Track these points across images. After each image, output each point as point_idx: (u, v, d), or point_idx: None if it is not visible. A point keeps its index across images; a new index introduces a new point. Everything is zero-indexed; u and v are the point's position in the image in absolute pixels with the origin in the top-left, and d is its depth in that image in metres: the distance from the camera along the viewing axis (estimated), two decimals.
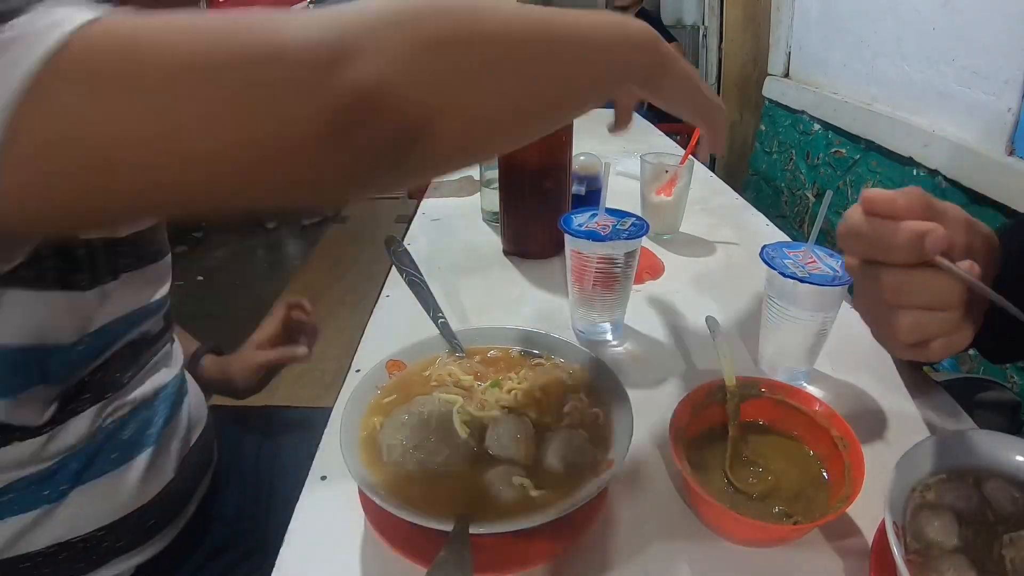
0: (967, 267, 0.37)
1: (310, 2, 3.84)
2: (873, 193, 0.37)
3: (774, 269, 0.59)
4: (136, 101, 0.27)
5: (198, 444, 0.72)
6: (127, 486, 0.61)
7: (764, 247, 0.62)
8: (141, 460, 0.62)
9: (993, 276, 0.44)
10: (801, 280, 0.57)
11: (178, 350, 0.74)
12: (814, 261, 0.60)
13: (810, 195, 2.26)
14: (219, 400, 0.84)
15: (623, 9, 3.67)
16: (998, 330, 0.60)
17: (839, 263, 0.59)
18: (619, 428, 0.47)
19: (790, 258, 0.60)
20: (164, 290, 0.70)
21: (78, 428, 0.57)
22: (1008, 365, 1.31)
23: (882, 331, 0.42)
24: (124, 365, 0.62)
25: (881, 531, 0.43)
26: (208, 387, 0.83)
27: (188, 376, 0.76)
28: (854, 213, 0.39)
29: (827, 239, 1.90)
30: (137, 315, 0.63)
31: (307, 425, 0.82)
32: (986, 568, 0.39)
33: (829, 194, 0.60)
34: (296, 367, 0.97)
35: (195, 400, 0.75)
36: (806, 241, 0.62)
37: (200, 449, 0.72)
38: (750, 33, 2.86)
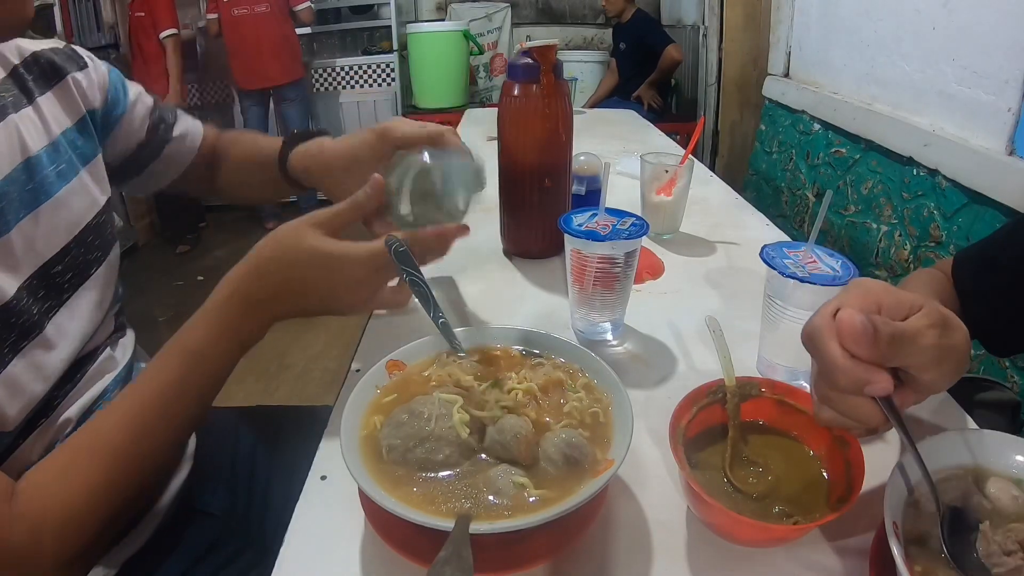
0: (903, 401, 0.42)
1: (311, 2, 3.80)
2: (847, 321, 0.40)
3: (774, 269, 0.59)
4: None
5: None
6: None
7: (764, 247, 0.62)
8: None
9: (964, 370, 0.46)
10: (801, 280, 0.57)
11: (128, 341, 0.73)
12: (814, 261, 0.60)
13: (810, 195, 2.26)
14: (218, 401, 0.83)
15: (615, 16, 3.68)
16: (1002, 324, 0.60)
17: (839, 263, 0.59)
18: (619, 428, 0.47)
19: (790, 258, 0.60)
20: (108, 298, 0.68)
21: (17, 465, 0.55)
22: (1008, 362, 1.31)
23: (813, 397, 0.46)
24: (57, 392, 0.60)
25: (881, 531, 0.43)
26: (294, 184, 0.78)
27: (139, 369, 0.74)
28: (822, 320, 0.42)
29: (827, 239, 1.90)
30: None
31: (307, 425, 0.82)
32: (985, 567, 0.39)
33: (829, 194, 0.60)
34: (296, 367, 0.96)
35: None
36: (806, 241, 0.61)
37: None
38: (750, 33, 2.86)
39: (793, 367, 0.65)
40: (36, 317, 0.57)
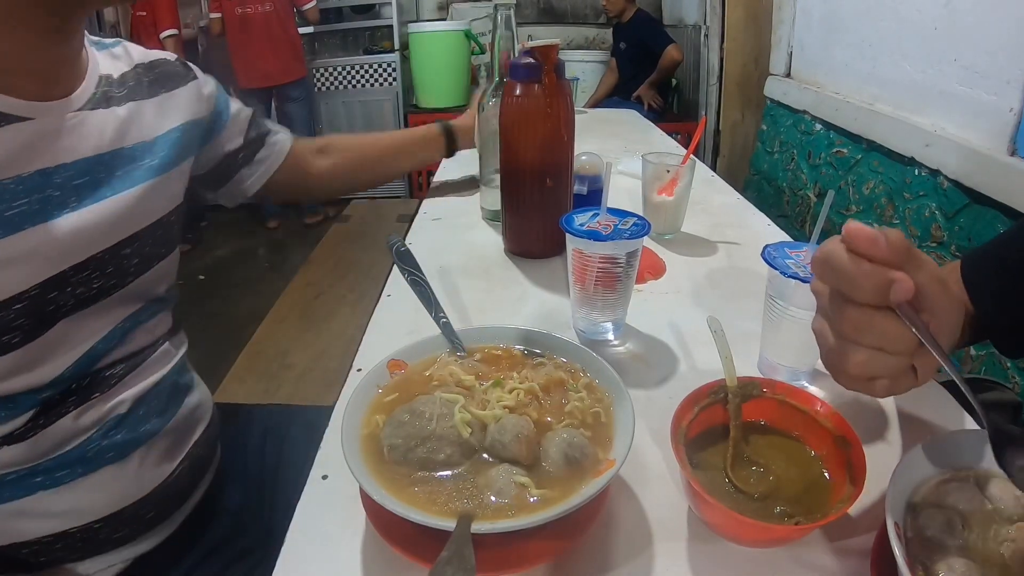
0: (925, 322, 0.40)
1: (316, 2, 3.81)
2: (855, 229, 0.38)
3: (776, 269, 0.59)
4: None
5: (201, 440, 0.72)
6: (123, 481, 0.62)
7: (766, 247, 0.62)
8: (138, 455, 0.63)
9: (961, 342, 0.45)
10: (803, 280, 0.57)
11: (180, 341, 0.75)
12: None
13: (812, 195, 2.26)
14: (220, 397, 0.84)
15: (616, 16, 3.68)
16: (1013, 324, 0.60)
17: None
18: (620, 428, 0.47)
19: (792, 258, 0.60)
20: (165, 287, 0.70)
21: (63, 430, 0.58)
22: (1009, 363, 1.31)
23: (832, 360, 0.44)
24: (112, 371, 0.63)
25: (882, 532, 0.43)
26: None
27: (192, 372, 0.77)
28: (832, 243, 0.41)
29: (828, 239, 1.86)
30: (131, 323, 0.64)
31: (308, 424, 0.82)
32: (988, 569, 0.39)
33: (831, 194, 0.60)
34: (297, 367, 0.98)
35: (199, 396, 0.75)
36: (808, 241, 0.61)
37: (203, 445, 0.73)
38: (751, 33, 2.86)
39: (795, 367, 0.65)
40: (95, 291, 0.60)
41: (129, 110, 0.64)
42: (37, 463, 0.57)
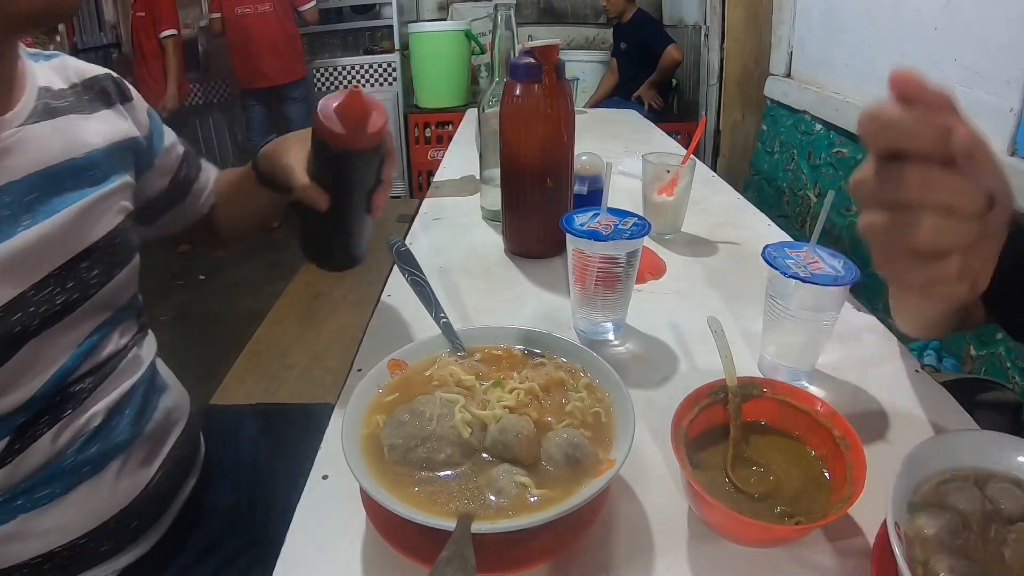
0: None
1: (315, 3, 3.80)
2: (904, 73, 0.33)
3: (776, 269, 0.59)
4: None
5: (180, 441, 0.72)
6: (103, 493, 0.62)
7: (766, 247, 0.62)
8: (115, 466, 0.63)
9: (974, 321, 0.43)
10: (803, 280, 0.57)
11: (149, 345, 0.74)
12: (816, 261, 0.60)
13: (812, 195, 2.26)
14: (220, 398, 0.84)
15: (616, 16, 3.68)
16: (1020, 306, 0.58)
17: (841, 263, 0.59)
18: (620, 428, 0.47)
19: (792, 258, 0.60)
20: (128, 295, 0.69)
21: (41, 451, 0.57)
22: (1009, 363, 1.31)
23: (893, 245, 0.37)
24: (82, 385, 0.62)
25: (883, 532, 0.43)
26: (272, 180, 0.72)
27: (163, 371, 0.76)
28: (877, 102, 0.35)
29: (828, 239, 1.89)
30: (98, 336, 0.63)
31: (308, 424, 0.82)
32: (988, 569, 0.39)
33: (831, 194, 0.60)
34: (298, 367, 0.97)
35: (174, 397, 0.74)
36: (808, 241, 0.62)
37: (182, 445, 0.72)
38: (752, 33, 2.86)
39: (795, 367, 0.65)
40: (59, 307, 0.59)
41: (71, 122, 0.63)
42: (16, 486, 0.56)
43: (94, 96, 0.69)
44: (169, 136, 0.81)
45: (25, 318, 0.55)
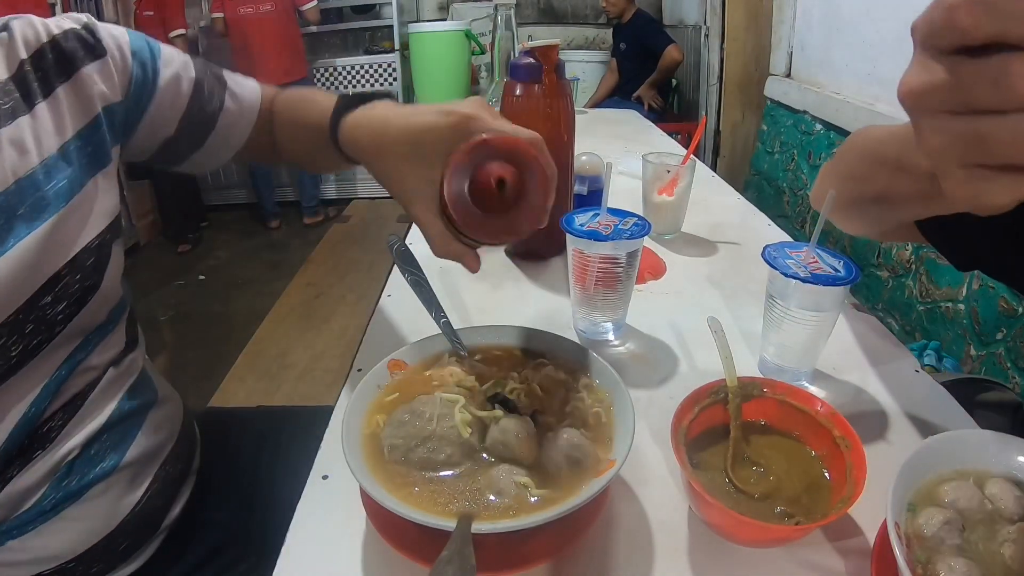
0: None
1: (317, 2, 3.80)
2: None
3: (776, 269, 0.59)
4: None
5: (171, 458, 0.68)
6: (89, 520, 0.59)
7: (766, 247, 0.62)
8: (98, 492, 0.59)
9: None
10: (803, 280, 0.57)
11: (134, 359, 0.66)
12: (816, 261, 0.60)
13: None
14: (220, 398, 0.83)
15: (616, 16, 3.68)
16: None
17: (841, 263, 0.59)
18: (621, 428, 0.47)
19: (792, 258, 0.60)
20: (108, 309, 0.61)
21: (14, 494, 0.54)
22: (1009, 363, 1.31)
23: (970, 157, 0.30)
24: (51, 424, 0.56)
25: (883, 532, 0.43)
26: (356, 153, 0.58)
27: (155, 380, 0.70)
28: None
29: (828, 239, 1.89)
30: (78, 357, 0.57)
31: (308, 424, 0.82)
32: (988, 569, 0.39)
33: (831, 194, 0.60)
34: (298, 367, 0.96)
35: (165, 410, 0.69)
36: (808, 241, 0.62)
37: (174, 462, 0.68)
38: (752, 33, 2.86)
39: (796, 368, 0.65)
40: (15, 359, 0.51)
41: (20, 127, 0.52)
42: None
43: (48, 70, 0.55)
44: (170, 66, 0.64)
45: None
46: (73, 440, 0.57)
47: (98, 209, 0.58)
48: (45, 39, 0.56)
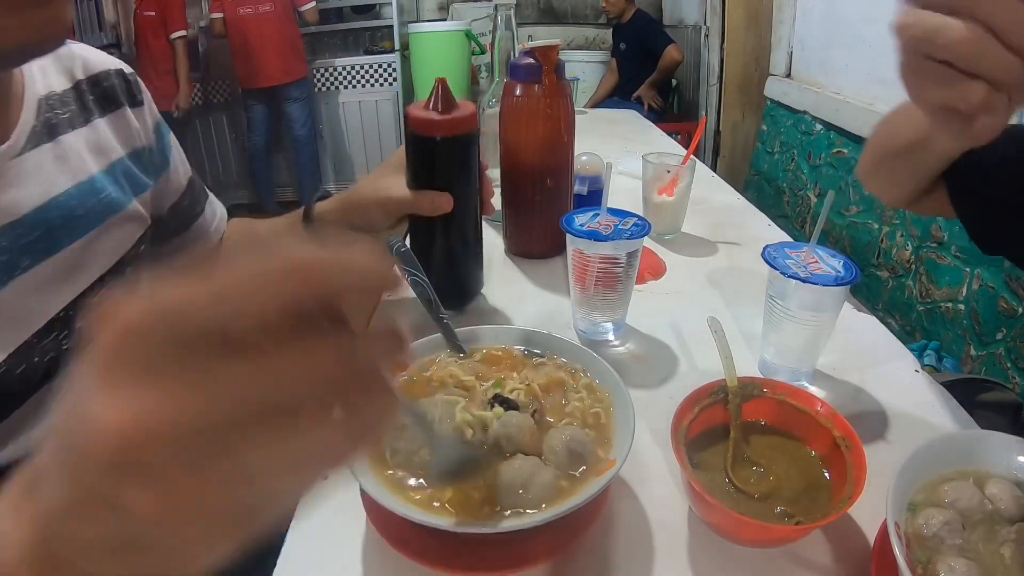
0: None
1: (316, 3, 3.80)
2: None
3: (776, 269, 0.59)
4: None
5: None
6: None
7: (766, 247, 0.62)
8: None
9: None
10: (803, 280, 0.57)
11: None
12: (816, 261, 0.60)
13: (812, 195, 2.26)
14: None
15: (616, 17, 3.68)
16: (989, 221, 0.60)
17: (841, 263, 0.59)
18: (620, 428, 0.47)
19: (792, 258, 0.60)
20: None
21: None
22: (1009, 363, 1.31)
23: (925, 50, 0.36)
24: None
25: (883, 532, 0.43)
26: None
27: None
28: None
29: (828, 239, 1.90)
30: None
31: None
32: (988, 568, 0.39)
33: (831, 194, 0.60)
34: None
35: None
36: (808, 241, 0.62)
37: None
38: (752, 33, 2.86)
39: (795, 368, 0.65)
40: (65, 352, 0.53)
41: (75, 138, 0.56)
42: None
43: (98, 97, 0.61)
44: (178, 155, 0.72)
45: (28, 371, 0.49)
46: None
47: (135, 224, 0.62)
48: (97, 69, 0.62)
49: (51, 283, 0.52)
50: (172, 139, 0.72)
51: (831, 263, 0.59)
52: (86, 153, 0.57)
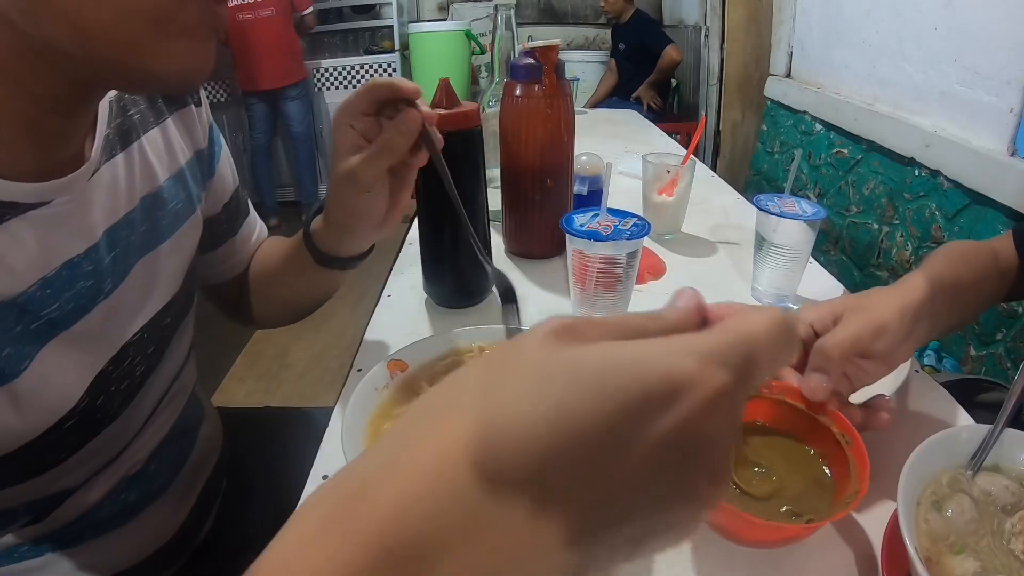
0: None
1: (314, 9, 3.79)
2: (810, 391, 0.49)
3: (762, 210, 0.74)
4: None
5: (213, 475, 0.69)
6: (134, 539, 0.58)
7: (755, 197, 0.77)
8: (149, 512, 0.58)
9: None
10: (782, 216, 0.74)
11: (190, 377, 0.66)
12: (793, 205, 0.75)
13: (812, 195, 2.26)
14: (219, 398, 0.82)
15: (615, 17, 3.68)
16: None
17: (811, 208, 0.74)
18: None
19: (775, 202, 0.76)
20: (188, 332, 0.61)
21: (73, 506, 0.52)
22: (1009, 363, 1.31)
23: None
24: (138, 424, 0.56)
25: (891, 526, 0.43)
26: (332, 255, 0.64)
27: (201, 401, 0.71)
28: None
29: (829, 239, 1.90)
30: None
31: (308, 425, 0.82)
32: (996, 561, 0.39)
33: (798, 153, 0.84)
34: (297, 367, 0.95)
35: (209, 426, 0.70)
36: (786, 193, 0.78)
37: (214, 479, 0.69)
38: (752, 33, 2.86)
39: (780, 293, 0.79)
40: (139, 378, 0.52)
41: (145, 144, 0.54)
42: (48, 535, 0.52)
43: (165, 97, 0.58)
44: (227, 163, 0.67)
45: (107, 401, 0.48)
46: (140, 452, 0.57)
47: (197, 232, 0.61)
48: None
49: (126, 305, 0.50)
50: (224, 147, 0.68)
51: (804, 207, 0.75)
52: (156, 159, 0.55)
